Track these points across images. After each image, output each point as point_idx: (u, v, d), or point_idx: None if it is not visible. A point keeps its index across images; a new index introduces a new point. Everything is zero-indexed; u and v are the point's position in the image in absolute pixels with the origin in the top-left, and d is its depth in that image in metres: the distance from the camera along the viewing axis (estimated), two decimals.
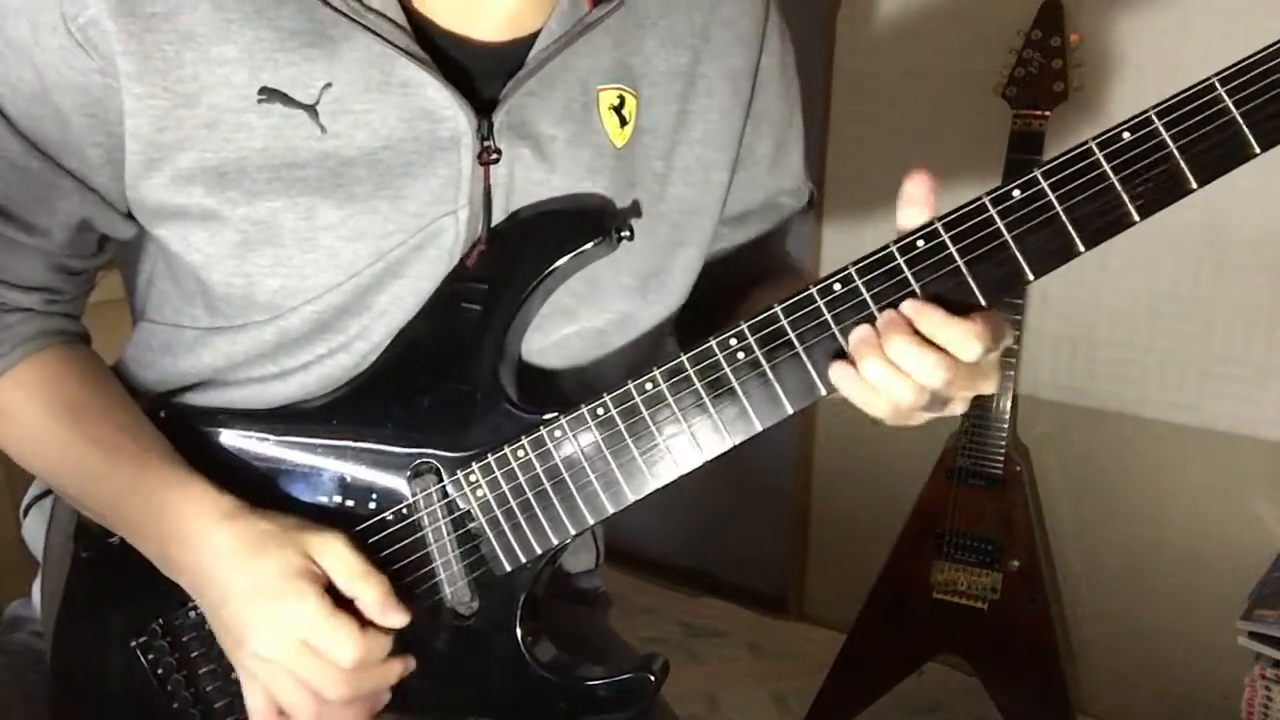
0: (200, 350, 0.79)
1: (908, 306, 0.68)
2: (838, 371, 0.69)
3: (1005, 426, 1.85)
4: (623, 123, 0.79)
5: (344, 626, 0.71)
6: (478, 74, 0.76)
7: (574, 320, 0.81)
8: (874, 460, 2.16)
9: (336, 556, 0.72)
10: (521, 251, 0.77)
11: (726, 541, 2.53)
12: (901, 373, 0.67)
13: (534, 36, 0.76)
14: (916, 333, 0.67)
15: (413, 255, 0.76)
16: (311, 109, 0.72)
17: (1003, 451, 1.85)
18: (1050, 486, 2.03)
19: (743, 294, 0.91)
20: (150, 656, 0.80)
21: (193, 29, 0.70)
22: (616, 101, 0.79)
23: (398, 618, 0.73)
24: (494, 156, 0.75)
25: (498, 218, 0.77)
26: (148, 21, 0.69)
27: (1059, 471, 2.03)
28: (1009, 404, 1.85)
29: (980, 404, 1.84)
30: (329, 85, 0.72)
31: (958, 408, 0.71)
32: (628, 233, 0.78)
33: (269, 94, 0.71)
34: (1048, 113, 1.76)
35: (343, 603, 0.72)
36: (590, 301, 0.81)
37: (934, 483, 1.91)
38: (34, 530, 0.91)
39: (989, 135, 1.90)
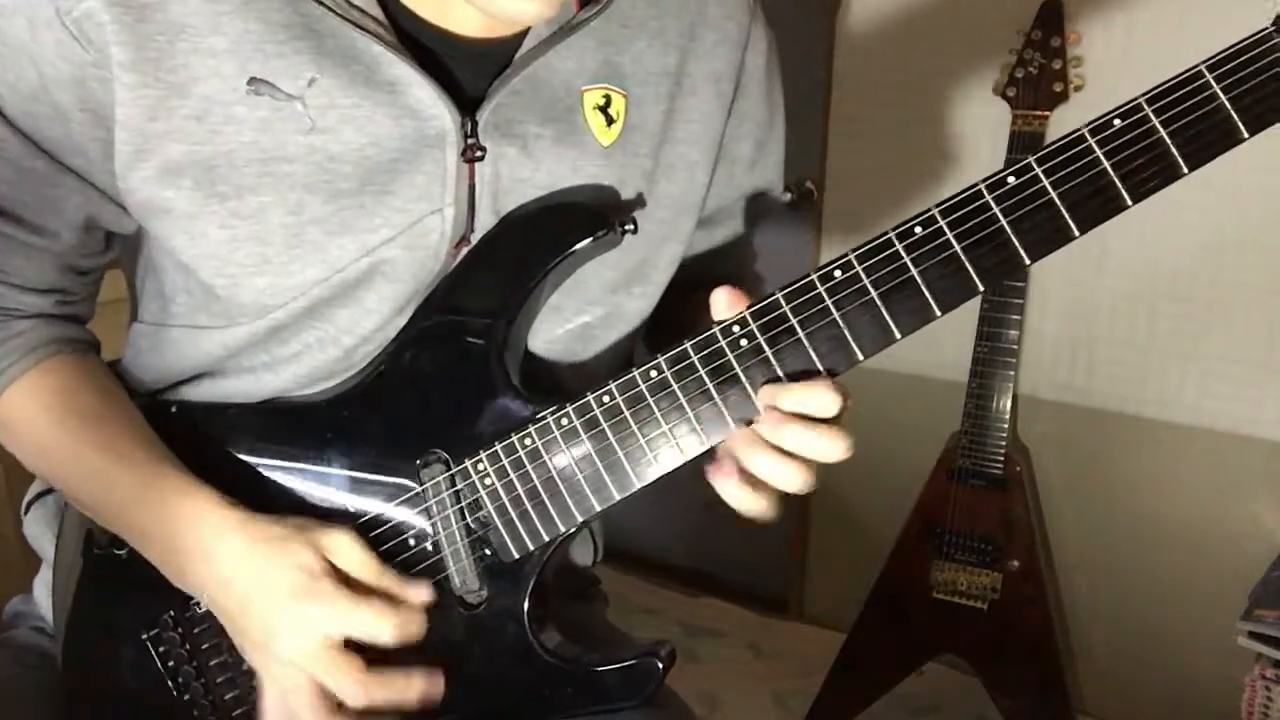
0: (188, 348, 0.80)
1: (767, 392, 0.70)
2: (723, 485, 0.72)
3: (1005, 426, 1.85)
4: (609, 121, 0.80)
5: (375, 607, 0.72)
6: (463, 71, 0.77)
7: (561, 315, 0.82)
8: (874, 460, 2.16)
9: (349, 549, 0.74)
10: (528, 244, 0.78)
11: (727, 542, 2.53)
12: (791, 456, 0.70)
13: (520, 36, 0.77)
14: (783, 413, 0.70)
15: (401, 255, 0.77)
16: (300, 101, 0.72)
17: (1003, 451, 1.85)
18: (1050, 486, 2.03)
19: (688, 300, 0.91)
20: (162, 649, 0.81)
21: (184, 20, 0.71)
22: (602, 101, 0.80)
23: (421, 591, 0.75)
24: (479, 154, 0.76)
25: (484, 216, 0.78)
26: (140, 12, 0.70)
27: (1059, 471, 2.02)
28: (1009, 404, 1.85)
29: (980, 404, 1.85)
30: (315, 79, 0.72)
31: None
32: (632, 226, 0.79)
33: (257, 84, 0.72)
34: (1048, 113, 1.76)
35: (364, 592, 0.73)
36: (575, 296, 0.82)
37: (934, 483, 1.91)
38: (36, 527, 0.91)
39: (989, 135, 1.90)
